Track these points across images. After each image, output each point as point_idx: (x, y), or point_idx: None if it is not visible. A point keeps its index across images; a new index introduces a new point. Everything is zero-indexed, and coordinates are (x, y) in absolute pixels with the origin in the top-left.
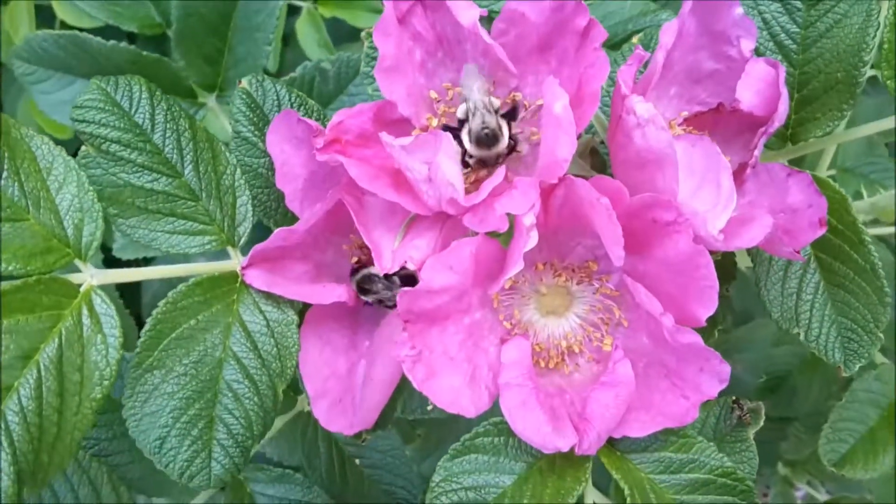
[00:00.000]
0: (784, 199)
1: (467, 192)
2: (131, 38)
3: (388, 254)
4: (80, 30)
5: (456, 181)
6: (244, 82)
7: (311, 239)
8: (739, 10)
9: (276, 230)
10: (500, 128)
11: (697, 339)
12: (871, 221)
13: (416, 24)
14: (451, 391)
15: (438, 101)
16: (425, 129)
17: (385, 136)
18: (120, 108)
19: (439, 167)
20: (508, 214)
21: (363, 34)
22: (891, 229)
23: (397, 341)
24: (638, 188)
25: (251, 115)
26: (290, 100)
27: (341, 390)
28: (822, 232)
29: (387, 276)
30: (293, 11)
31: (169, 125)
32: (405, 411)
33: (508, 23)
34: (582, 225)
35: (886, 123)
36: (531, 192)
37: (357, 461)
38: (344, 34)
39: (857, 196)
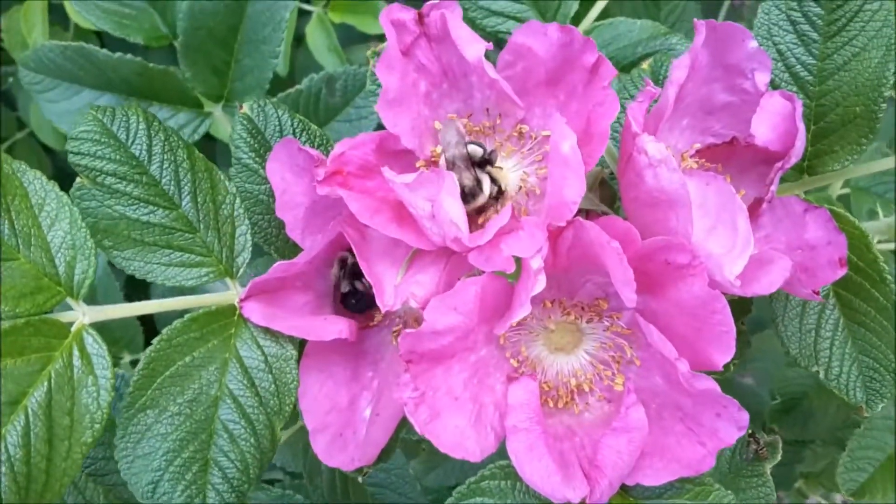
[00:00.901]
0: (801, 235)
1: (474, 228)
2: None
3: (391, 289)
4: (94, 33)
5: (459, 221)
6: (245, 107)
7: (312, 269)
8: (753, 43)
9: (276, 264)
10: (478, 183)
11: (713, 385)
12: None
13: (421, 56)
14: (455, 433)
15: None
16: (430, 160)
17: (388, 173)
18: (116, 139)
19: (442, 206)
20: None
21: (369, 53)
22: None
23: (399, 382)
24: (649, 227)
25: (252, 141)
26: (292, 125)
27: (342, 424)
28: (842, 273)
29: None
30: (304, 15)
31: (167, 156)
32: (410, 433)
33: (515, 55)
34: (592, 263)
35: None
36: (538, 234)
37: (360, 479)
38: (354, 37)
39: (872, 215)
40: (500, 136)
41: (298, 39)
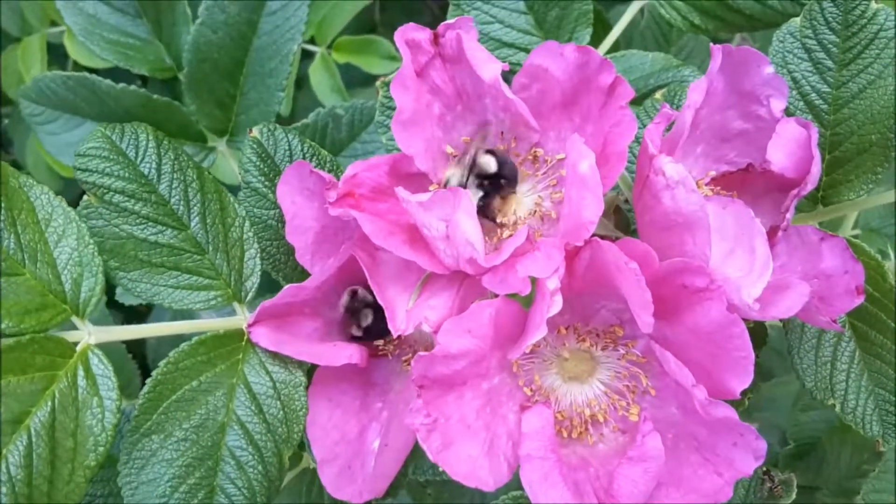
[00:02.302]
0: (817, 264)
1: (487, 251)
2: (144, 78)
3: (403, 313)
4: (92, 70)
5: (475, 240)
6: (255, 131)
7: (321, 295)
8: (770, 69)
9: (286, 287)
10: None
11: (731, 412)
12: None
13: (435, 77)
14: (468, 462)
15: (456, 156)
16: (443, 183)
17: (401, 192)
18: (125, 156)
19: (458, 225)
20: (531, 277)
21: (378, 83)
22: None
23: (411, 408)
24: (665, 251)
25: (261, 165)
26: (301, 150)
27: (350, 455)
28: (859, 301)
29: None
30: (307, 56)
31: (176, 175)
32: (416, 473)
33: (531, 77)
34: (607, 288)
35: None
36: (555, 254)
37: None
38: (357, 79)
39: (884, 256)
40: (514, 159)
41: (300, 81)
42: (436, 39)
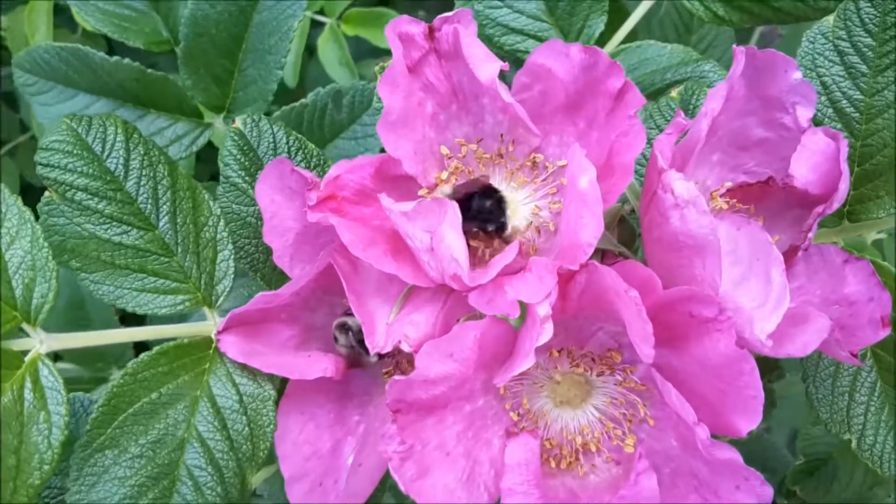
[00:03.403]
0: (839, 289)
1: (475, 265)
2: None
3: (382, 329)
4: (106, 38)
5: (460, 256)
6: (238, 122)
7: (299, 300)
8: (797, 74)
9: (257, 295)
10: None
11: (735, 455)
12: None
13: (429, 74)
14: (444, 492)
15: (450, 158)
16: (433, 187)
17: (385, 200)
18: (91, 151)
19: (442, 240)
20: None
21: (376, 69)
22: None
23: (384, 434)
24: (672, 272)
25: (242, 159)
26: (287, 143)
27: (323, 472)
28: (884, 334)
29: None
30: (317, 25)
31: (145, 171)
32: (396, 496)
33: (533, 77)
34: (605, 311)
35: None
36: (548, 277)
37: None
38: (367, 51)
39: None
40: (511, 164)
41: (311, 51)
42: (431, 34)
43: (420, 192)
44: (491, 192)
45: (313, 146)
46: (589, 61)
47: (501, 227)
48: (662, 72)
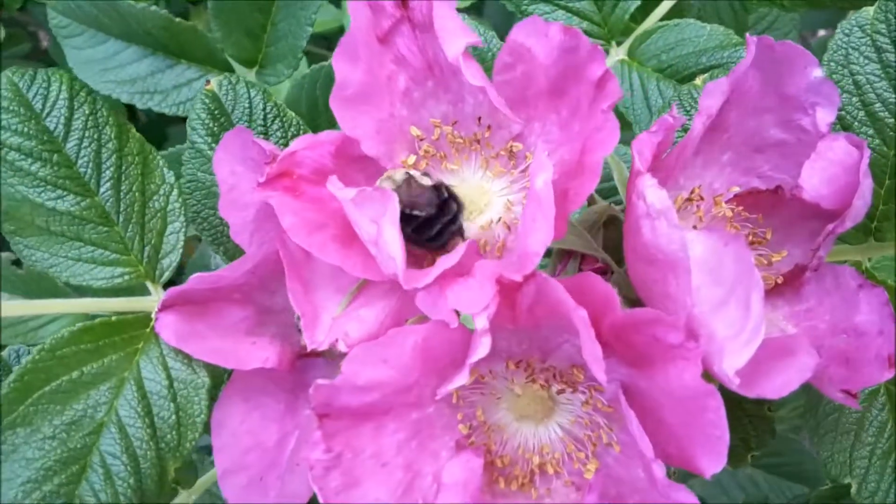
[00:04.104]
0: (850, 317)
1: (431, 262)
2: None
3: (327, 322)
4: None
5: (397, 255)
6: (213, 83)
7: (256, 280)
8: (818, 72)
9: (196, 275)
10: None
11: (692, 500)
12: None
13: (402, 45)
14: None
15: (422, 140)
16: None
17: (332, 183)
18: (30, 108)
19: (382, 234)
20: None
21: None
22: None
23: (309, 440)
24: (649, 286)
25: (211, 124)
26: (264, 110)
27: (265, 466)
28: (889, 375)
29: None
30: None
31: (88, 133)
32: None
33: (515, 57)
34: (565, 324)
35: None
36: (488, 286)
37: None
38: None
39: None
40: (487, 151)
41: None
42: (404, 1)
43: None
44: (445, 200)
45: (294, 116)
46: (569, 43)
47: (452, 235)
48: (698, 55)
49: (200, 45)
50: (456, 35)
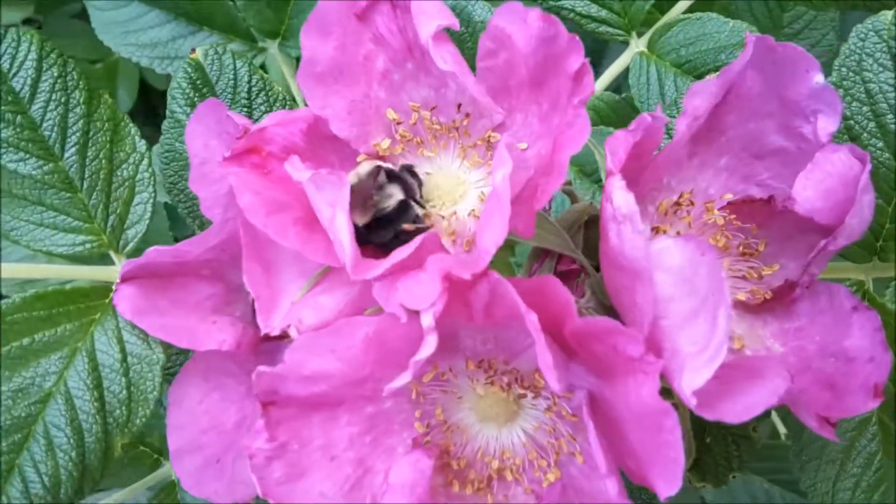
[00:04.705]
0: (841, 340)
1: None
2: None
3: (286, 306)
4: None
5: (346, 241)
6: (199, 52)
7: (227, 257)
8: (820, 78)
9: (154, 248)
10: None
11: None
12: None
13: (381, 24)
14: (318, 500)
15: (399, 124)
16: (374, 155)
17: (291, 163)
18: None
19: (334, 219)
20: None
21: None
22: None
23: (252, 428)
24: (619, 292)
25: (192, 95)
26: (249, 82)
27: (221, 448)
28: (873, 405)
29: None
30: None
31: (56, 96)
32: None
33: (497, 43)
34: (525, 326)
35: None
36: (436, 282)
37: None
38: None
39: None
40: (465, 140)
41: None
42: None
43: (359, 158)
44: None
45: (280, 91)
46: (548, 32)
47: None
48: (717, 51)
49: (223, 13)
50: (430, 16)
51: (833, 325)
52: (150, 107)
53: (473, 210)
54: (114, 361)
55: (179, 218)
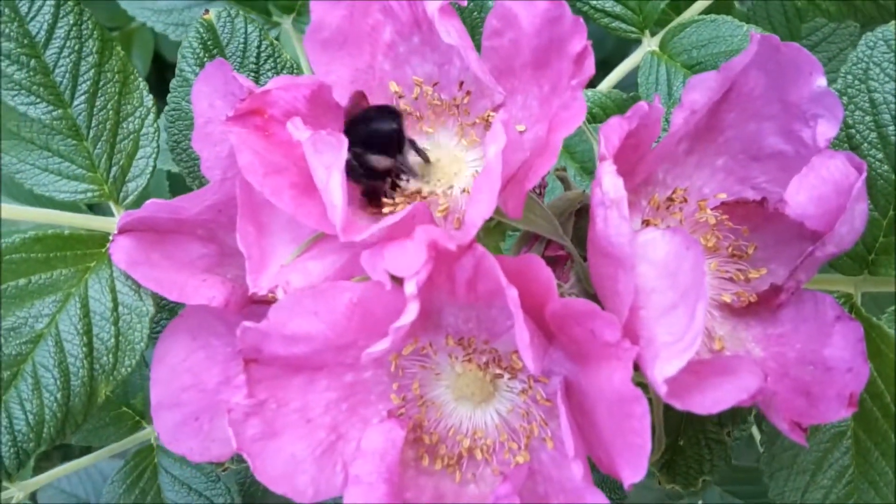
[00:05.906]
0: (821, 349)
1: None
2: None
3: (275, 269)
4: None
5: (338, 202)
6: (212, 14)
7: (224, 218)
8: (822, 81)
9: (152, 201)
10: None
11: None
12: None
13: None
14: (288, 462)
15: (401, 97)
16: None
17: (293, 124)
18: (15, 10)
19: (329, 181)
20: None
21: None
22: None
23: (232, 383)
24: (603, 280)
25: (203, 56)
26: (259, 47)
27: (201, 407)
28: (846, 414)
29: None
30: None
31: (70, 43)
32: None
33: (504, 22)
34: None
35: None
36: (421, 251)
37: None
38: None
39: None
40: (464, 118)
41: None
42: None
43: None
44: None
45: (289, 58)
46: (554, 13)
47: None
48: (729, 54)
49: None
50: None
51: (815, 334)
52: (162, 80)
53: (466, 188)
54: (105, 309)
55: (181, 190)
